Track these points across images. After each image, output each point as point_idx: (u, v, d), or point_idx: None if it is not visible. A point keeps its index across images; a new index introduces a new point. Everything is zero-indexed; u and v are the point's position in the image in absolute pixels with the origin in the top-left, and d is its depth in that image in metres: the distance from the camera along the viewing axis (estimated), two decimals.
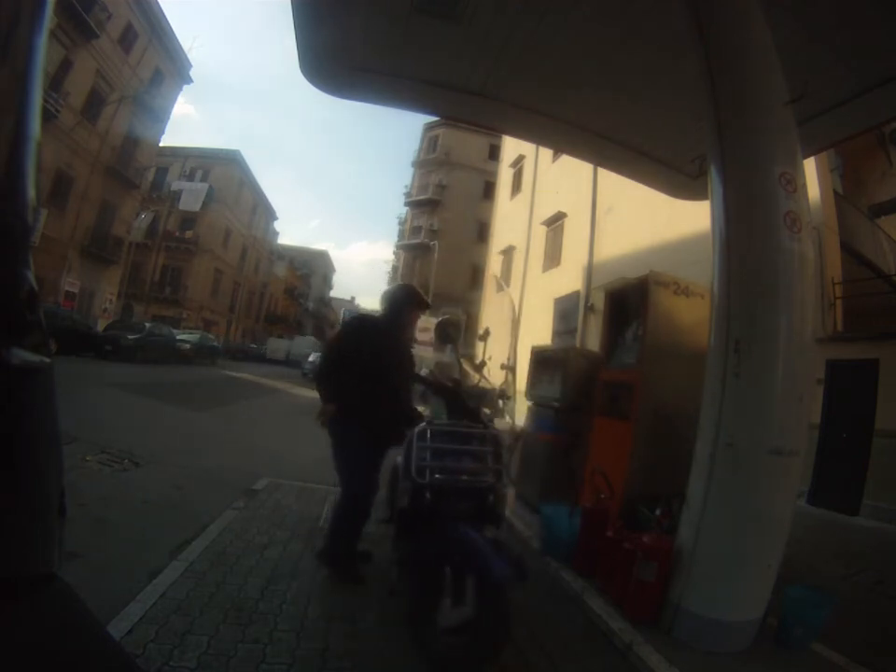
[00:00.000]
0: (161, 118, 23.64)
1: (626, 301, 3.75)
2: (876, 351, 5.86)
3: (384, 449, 2.67)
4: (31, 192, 0.59)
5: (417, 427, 2.26)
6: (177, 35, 22.56)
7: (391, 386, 2.59)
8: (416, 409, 2.72)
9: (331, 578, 2.57)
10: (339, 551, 2.61)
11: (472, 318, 16.37)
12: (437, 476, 2.12)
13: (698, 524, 2.31)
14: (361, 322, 2.98)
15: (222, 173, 33.51)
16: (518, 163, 18.12)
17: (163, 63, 22.70)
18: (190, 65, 24.68)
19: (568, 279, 12.72)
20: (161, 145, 25.75)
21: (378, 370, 2.54)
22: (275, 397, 13.08)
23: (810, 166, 6.13)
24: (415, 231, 29.52)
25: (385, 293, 2.94)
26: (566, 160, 12.47)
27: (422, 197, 29.14)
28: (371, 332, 2.70)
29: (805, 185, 2.45)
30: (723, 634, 2.25)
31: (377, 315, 2.94)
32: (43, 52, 0.60)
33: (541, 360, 4.85)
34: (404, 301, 2.83)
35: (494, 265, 18.99)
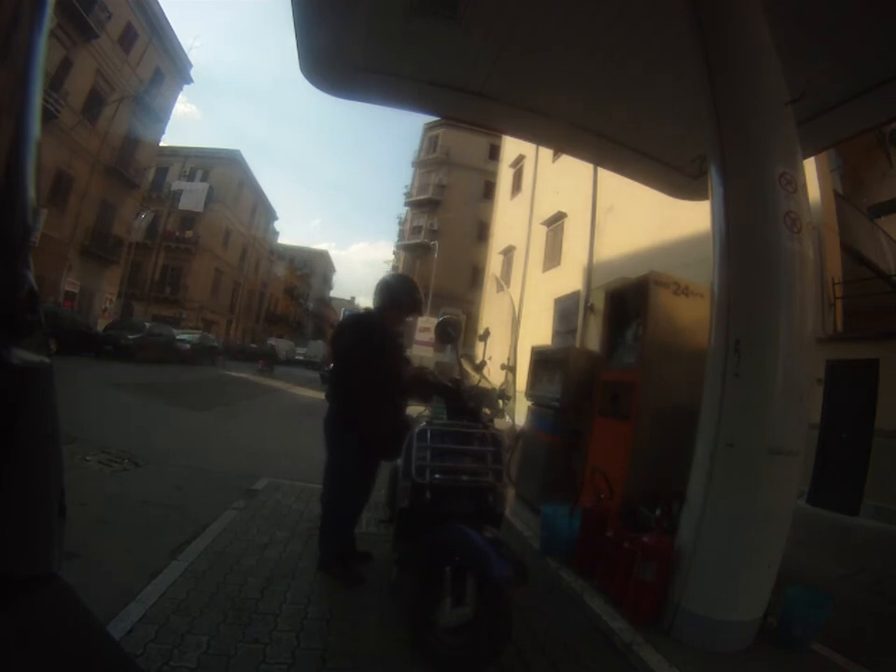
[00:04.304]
0: (161, 117, 23.65)
1: (626, 301, 3.74)
2: (876, 351, 5.86)
3: (378, 459, 2.67)
4: (31, 192, 0.59)
5: (417, 427, 2.26)
6: (177, 35, 22.62)
7: (388, 392, 2.56)
8: (409, 417, 2.71)
9: (329, 577, 2.57)
10: (334, 555, 2.61)
11: (472, 318, 16.39)
12: (437, 476, 2.13)
13: (698, 524, 2.31)
14: (356, 321, 2.86)
15: (222, 173, 33.52)
16: (518, 163, 18.12)
17: (163, 63, 22.70)
18: (191, 65, 24.71)
19: (568, 279, 12.72)
20: (161, 144, 25.78)
21: (377, 374, 2.48)
22: (275, 396, 13.08)
23: (810, 166, 6.13)
24: (415, 230, 29.52)
25: (383, 284, 2.74)
26: (566, 160, 12.47)
27: (422, 197, 29.14)
28: (365, 332, 2.59)
29: (804, 185, 2.45)
30: (723, 634, 2.25)
31: (371, 310, 2.81)
32: (43, 52, 0.60)
33: (541, 360, 4.84)
34: (405, 301, 2.72)
35: (494, 265, 18.99)
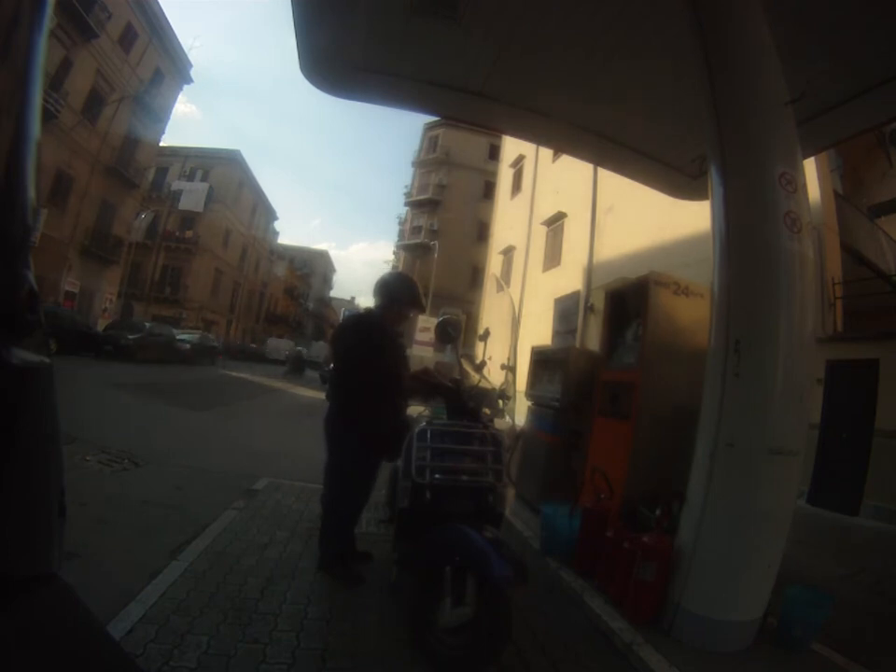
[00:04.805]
0: (161, 117, 23.65)
1: (626, 301, 3.74)
2: (876, 351, 5.86)
3: (379, 459, 2.67)
4: (31, 192, 0.59)
5: (417, 427, 2.26)
6: (177, 34, 22.62)
7: (388, 392, 2.56)
8: (409, 417, 2.71)
9: (329, 577, 2.57)
10: (334, 555, 2.61)
11: (472, 318, 16.39)
12: (437, 476, 2.13)
13: (698, 524, 2.31)
14: (357, 321, 2.86)
15: (222, 173, 33.52)
16: (518, 163, 18.12)
17: (163, 63, 22.70)
18: (191, 65, 24.71)
19: (568, 279, 12.72)
20: (161, 144, 25.78)
21: (377, 374, 2.48)
22: (275, 396, 13.08)
23: (810, 166, 6.13)
24: (415, 230, 29.52)
25: (381, 283, 2.74)
26: (566, 160, 12.47)
27: (422, 197, 29.14)
28: (366, 332, 2.59)
29: (805, 185, 2.45)
30: (723, 634, 2.25)
31: (371, 310, 2.81)
32: (43, 52, 0.60)
33: (541, 360, 4.84)
34: (404, 298, 2.73)
35: (494, 265, 18.99)
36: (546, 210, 14.68)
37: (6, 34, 0.54)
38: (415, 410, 2.78)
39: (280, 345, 34.51)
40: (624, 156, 4.53)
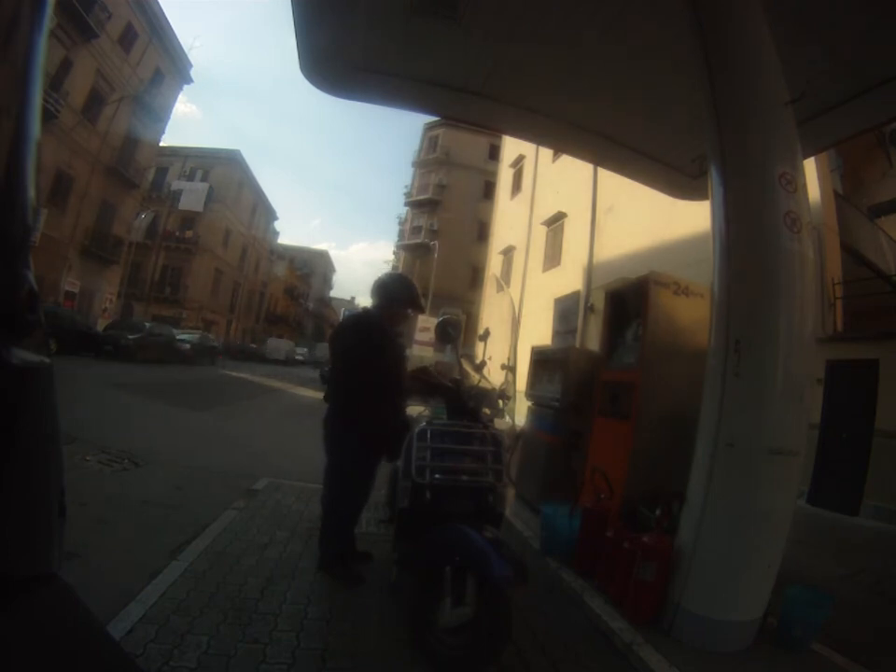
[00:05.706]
0: (161, 117, 23.65)
1: (626, 301, 3.74)
2: (876, 351, 5.86)
3: (378, 459, 2.67)
4: (31, 192, 0.59)
5: (417, 427, 2.26)
6: (177, 34, 22.62)
7: (388, 391, 2.56)
8: (409, 417, 2.71)
9: (329, 577, 2.57)
10: (334, 555, 2.61)
11: (472, 318, 16.39)
12: (437, 476, 2.13)
13: (698, 524, 2.31)
14: (356, 321, 2.84)
15: (222, 173, 33.51)
16: (518, 163, 18.12)
17: (163, 63, 22.69)
18: (191, 65, 24.70)
19: (568, 279, 12.72)
20: (161, 144, 25.79)
21: (376, 374, 2.49)
22: (275, 396, 13.08)
23: (810, 166, 6.12)
24: (415, 230, 29.52)
25: (379, 283, 2.73)
26: (566, 160, 12.48)
27: (422, 197, 29.14)
28: (365, 332, 2.59)
29: (805, 185, 2.45)
30: (723, 634, 2.25)
31: (369, 310, 2.80)
32: (43, 52, 0.60)
33: (541, 360, 4.84)
34: (402, 298, 2.73)
35: (494, 265, 18.99)
36: (546, 210, 14.68)
37: (6, 34, 0.54)
38: (415, 410, 2.78)
39: (280, 345, 34.55)
40: (624, 156, 4.53)
